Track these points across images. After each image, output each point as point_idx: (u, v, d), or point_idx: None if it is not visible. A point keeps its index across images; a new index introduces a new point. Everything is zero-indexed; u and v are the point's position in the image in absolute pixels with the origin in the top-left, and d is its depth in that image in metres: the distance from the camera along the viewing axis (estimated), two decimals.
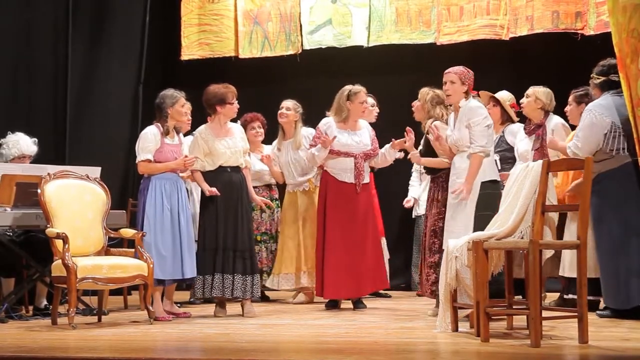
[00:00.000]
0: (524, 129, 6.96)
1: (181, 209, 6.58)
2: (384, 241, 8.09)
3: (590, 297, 6.25)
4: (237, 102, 6.71)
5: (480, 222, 5.82)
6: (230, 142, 6.66)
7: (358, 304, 7.04)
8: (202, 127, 6.78)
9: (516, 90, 7.41)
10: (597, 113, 5.85)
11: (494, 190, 5.99)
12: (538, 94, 6.88)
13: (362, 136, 7.11)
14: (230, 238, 6.56)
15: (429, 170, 6.65)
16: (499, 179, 6.14)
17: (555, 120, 6.81)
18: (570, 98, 6.71)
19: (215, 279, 6.51)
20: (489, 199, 5.93)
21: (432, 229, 6.41)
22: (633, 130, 5.34)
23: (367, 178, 7.11)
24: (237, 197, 6.63)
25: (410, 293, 8.48)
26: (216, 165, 6.64)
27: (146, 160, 6.55)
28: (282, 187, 7.96)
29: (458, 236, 5.80)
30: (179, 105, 6.64)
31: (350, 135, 7.07)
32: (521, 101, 6.99)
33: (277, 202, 7.97)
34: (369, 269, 6.99)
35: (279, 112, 7.75)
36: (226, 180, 6.62)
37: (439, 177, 6.50)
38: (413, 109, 7.16)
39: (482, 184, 6.01)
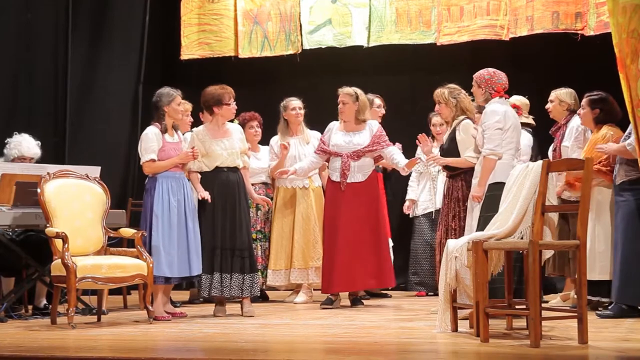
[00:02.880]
0: (550, 131, 7.03)
1: (187, 207, 6.59)
2: (390, 242, 8.16)
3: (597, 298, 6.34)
4: (234, 102, 6.72)
5: (484, 223, 5.86)
6: (227, 143, 6.67)
7: (355, 302, 7.14)
8: (200, 127, 6.80)
9: (515, 91, 7.41)
10: None
11: (500, 192, 6.00)
12: (561, 96, 6.96)
13: (356, 136, 7.14)
14: (228, 237, 6.58)
15: (449, 168, 6.66)
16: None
17: (575, 122, 6.82)
18: (584, 102, 6.60)
19: (215, 278, 6.53)
20: (494, 201, 5.96)
21: (453, 227, 6.46)
22: (633, 130, 5.34)
23: (360, 177, 7.09)
24: (234, 197, 6.64)
25: (410, 293, 8.49)
26: (212, 167, 6.66)
27: (150, 160, 6.55)
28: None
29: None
30: (175, 103, 6.64)
31: (343, 136, 7.16)
32: (546, 107, 7.04)
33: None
34: (359, 267, 6.98)
35: (293, 112, 7.79)
36: (223, 181, 6.63)
37: (459, 176, 6.54)
38: (437, 112, 7.07)
39: (489, 186, 6.08)
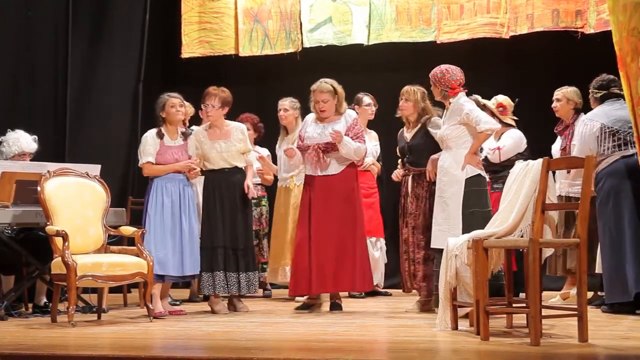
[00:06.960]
0: (555, 129, 7.06)
1: (183, 208, 6.68)
2: (383, 242, 8.15)
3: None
4: (209, 107, 6.71)
5: (469, 219, 5.92)
6: (224, 145, 6.74)
7: (334, 307, 6.69)
8: (200, 128, 6.87)
9: (515, 89, 7.41)
10: (587, 120, 6.21)
11: (478, 187, 6.09)
12: (568, 95, 7.02)
13: (330, 127, 6.67)
14: (228, 236, 6.66)
15: (414, 164, 6.61)
16: (483, 174, 6.17)
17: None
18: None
19: (217, 277, 6.60)
20: (474, 196, 6.05)
21: (420, 225, 6.48)
22: (633, 128, 5.35)
23: (333, 170, 6.64)
24: (234, 197, 6.71)
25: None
26: (209, 168, 6.78)
27: (147, 163, 6.68)
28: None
29: (444, 233, 5.94)
30: (169, 105, 6.76)
31: (317, 127, 6.77)
32: (553, 105, 7.07)
33: (266, 201, 8.11)
34: (330, 267, 6.54)
35: (279, 114, 7.80)
36: (223, 181, 6.72)
37: (424, 174, 6.51)
38: (400, 108, 6.93)
39: (466, 181, 6.08)
